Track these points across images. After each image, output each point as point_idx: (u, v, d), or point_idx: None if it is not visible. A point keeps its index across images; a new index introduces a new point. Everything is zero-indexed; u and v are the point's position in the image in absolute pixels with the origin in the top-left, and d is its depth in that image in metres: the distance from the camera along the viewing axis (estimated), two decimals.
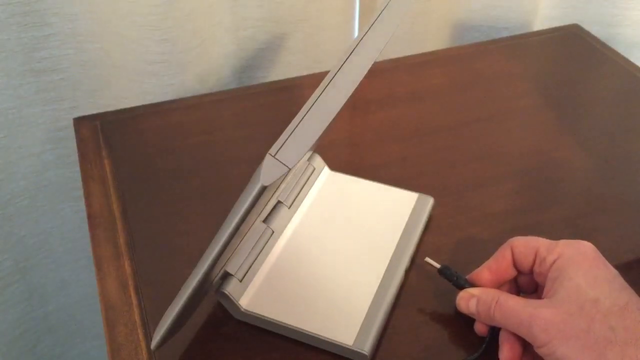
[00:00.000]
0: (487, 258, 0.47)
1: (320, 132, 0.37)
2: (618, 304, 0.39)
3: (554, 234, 0.55)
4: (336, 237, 0.53)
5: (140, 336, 0.48)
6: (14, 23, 0.67)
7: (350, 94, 0.40)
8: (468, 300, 0.46)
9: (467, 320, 0.47)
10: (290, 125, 0.37)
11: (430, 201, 0.57)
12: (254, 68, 0.82)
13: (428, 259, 0.49)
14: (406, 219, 0.55)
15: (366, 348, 0.45)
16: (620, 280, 0.41)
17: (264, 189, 0.36)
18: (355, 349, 0.45)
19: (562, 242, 0.44)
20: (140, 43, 0.71)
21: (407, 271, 0.51)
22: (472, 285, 0.47)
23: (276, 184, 0.47)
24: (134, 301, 0.50)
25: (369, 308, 0.48)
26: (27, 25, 0.68)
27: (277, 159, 0.36)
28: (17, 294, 0.85)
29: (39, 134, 0.76)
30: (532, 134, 0.68)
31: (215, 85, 0.81)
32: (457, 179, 0.61)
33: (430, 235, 0.55)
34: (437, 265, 0.49)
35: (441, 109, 0.71)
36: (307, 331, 0.46)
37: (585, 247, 0.43)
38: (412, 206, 0.56)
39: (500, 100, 0.72)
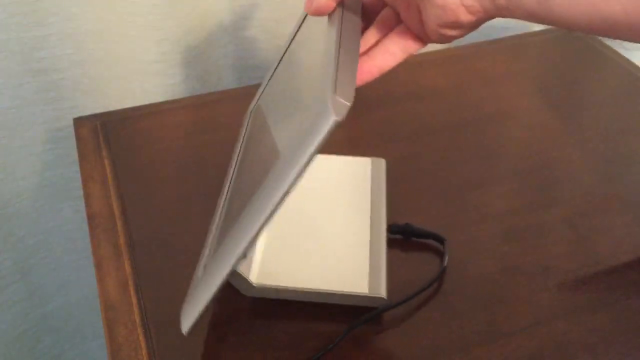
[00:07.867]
0: (487, 257, 0.47)
1: (356, 66, 0.38)
2: None
3: (554, 234, 0.55)
4: (316, 207, 0.56)
5: (140, 336, 0.48)
6: (14, 23, 0.67)
7: (361, 31, 0.42)
8: None
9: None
10: (328, 67, 0.36)
11: (383, 163, 0.61)
12: (254, 68, 0.82)
13: None
14: (369, 181, 0.59)
15: (382, 292, 0.48)
16: None
17: (337, 124, 0.34)
18: (373, 295, 0.47)
19: None
20: (140, 43, 0.71)
21: (389, 226, 0.54)
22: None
23: None
24: (134, 301, 0.50)
25: (370, 259, 0.50)
26: (27, 25, 0.68)
27: (337, 97, 0.34)
28: (17, 294, 0.85)
29: (39, 134, 0.76)
30: (532, 134, 0.68)
31: (215, 85, 0.81)
32: (457, 178, 0.61)
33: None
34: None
35: (441, 108, 0.71)
36: (322, 290, 0.48)
37: None
38: (369, 169, 0.60)
39: (500, 100, 0.72)
